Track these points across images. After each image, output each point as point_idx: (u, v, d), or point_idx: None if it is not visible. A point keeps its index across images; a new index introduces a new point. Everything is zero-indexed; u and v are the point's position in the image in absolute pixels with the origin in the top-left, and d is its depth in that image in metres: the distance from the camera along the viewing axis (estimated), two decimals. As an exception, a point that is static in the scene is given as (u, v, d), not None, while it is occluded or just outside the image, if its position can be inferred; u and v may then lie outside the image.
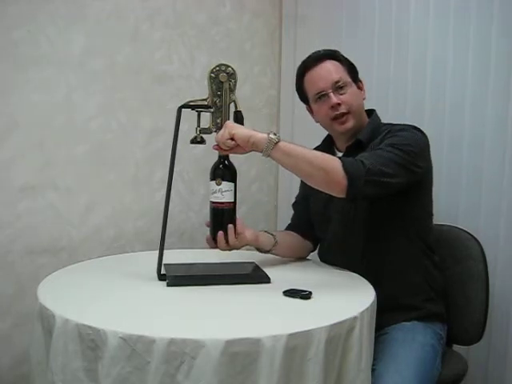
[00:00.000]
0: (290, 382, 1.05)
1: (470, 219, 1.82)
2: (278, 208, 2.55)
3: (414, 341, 1.46)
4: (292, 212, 1.80)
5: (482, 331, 1.62)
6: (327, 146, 1.67)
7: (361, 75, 1.63)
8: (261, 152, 1.33)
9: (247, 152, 1.37)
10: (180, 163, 2.08)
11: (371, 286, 1.39)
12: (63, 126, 1.92)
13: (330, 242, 1.65)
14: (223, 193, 1.41)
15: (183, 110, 1.39)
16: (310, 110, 1.65)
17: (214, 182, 1.42)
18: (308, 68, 1.59)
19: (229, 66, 1.40)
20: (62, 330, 1.08)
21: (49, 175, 1.90)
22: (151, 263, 1.41)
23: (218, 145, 1.37)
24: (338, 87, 1.55)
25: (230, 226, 1.42)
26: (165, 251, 1.40)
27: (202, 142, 1.43)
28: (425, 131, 1.54)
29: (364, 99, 1.62)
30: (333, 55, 1.59)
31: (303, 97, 1.65)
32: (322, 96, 1.56)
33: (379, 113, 1.66)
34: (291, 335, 1.04)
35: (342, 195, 1.35)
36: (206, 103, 1.40)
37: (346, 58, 1.61)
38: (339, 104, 1.54)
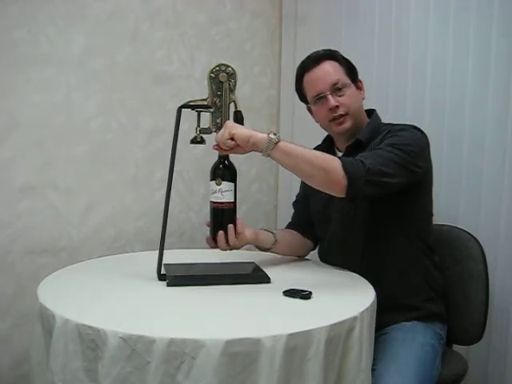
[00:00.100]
0: (289, 382, 1.05)
1: (470, 219, 1.82)
2: (278, 208, 2.55)
3: (414, 341, 1.46)
4: (292, 211, 1.80)
5: (482, 331, 1.62)
6: (327, 145, 1.68)
7: (361, 75, 1.63)
8: (261, 152, 1.33)
9: (247, 152, 1.37)
10: (180, 163, 2.08)
11: (371, 286, 1.39)
12: (63, 126, 1.92)
13: (330, 241, 1.65)
14: (223, 193, 1.41)
15: (183, 109, 1.39)
16: (310, 110, 1.65)
17: (214, 182, 1.42)
18: (307, 69, 1.59)
19: (229, 66, 1.40)
20: (61, 330, 1.08)
21: (49, 175, 1.90)
22: (151, 263, 1.41)
23: (217, 145, 1.37)
24: (336, 89, 1.55)
25: (230, 225, 1.42)
26: (165, 251, 1.40)
27: (202, 142, 1.43)
28: (425, 131, 1.54)
29: (363, 99, 1.62)
30: (331, 55, 1.59)
31: (303, 97, 1.65)
32: (320, 98, 1.56)
33: (379, 113, 1.66)
34: (291, 335, 1.04)
35: (341, 195, 1.35)
36: (205, 103, 1.40)
37: (345, 58, 1.61)
38: (337, 106, 1.54)
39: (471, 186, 1.84)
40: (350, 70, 1.59)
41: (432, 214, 1.62)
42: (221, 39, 2.32)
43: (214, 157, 1.44)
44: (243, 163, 2.06)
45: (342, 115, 1.55)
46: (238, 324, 1.12)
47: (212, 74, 1.40)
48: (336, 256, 1.62)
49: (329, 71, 1.56)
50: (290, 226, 1.75)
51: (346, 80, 1.56)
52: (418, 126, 1.54)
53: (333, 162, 1.35)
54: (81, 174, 1.97)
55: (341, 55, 1.61)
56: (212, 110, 1.41)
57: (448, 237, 1.71)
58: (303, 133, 2.22)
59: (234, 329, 1.08)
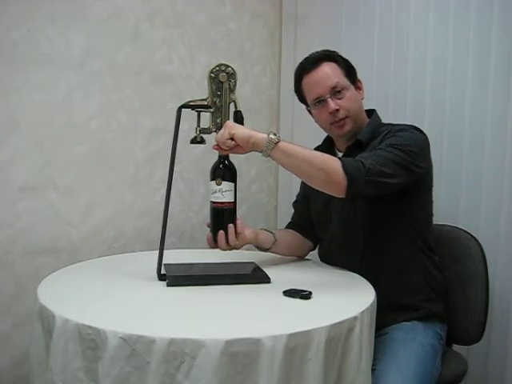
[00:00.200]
0: (289, 382, 1.05)
1: (470, 219, 1.82)
2: (278, 208, 2.55)
3: (414, 341, 1.46)
4: (292, 211, 1.80)
5: (482, 331, 1.62)
6: (327, 146, 1.67)
7: (361, 75, 1.63)
8: (261, 152, 1.33)
9: (247, 152, 1.37)
10: (180, 163, 2.08)
11: (371, 286, 1.39)
12: (63, 126, 1.92)
13: (330, 241, 1.65)
14: (223, 193, 1.41)
15: (183, 109, 1.39)
16: (310, 112, 1.65)
17: (214, 182, 1.42)
18: (305, 71, 1.58)
19: (229, 66, 1.40)
20: (61, 329, 1.08)
21: (49, 175, 1.90)
22: (151, 263, 1.41)
23: (217, 145, 1.37)
24: (335, 92, 1.54)
25: (231, 225, 1.42)
26: (165, 251, 1.40)
27: (202, 142, 1.43)
28: (425, 131, 1.54)
29: (363, 99, 1.62)
30: (330, 56, 1.58)
31: (302, 99, 1.65)
32: (320, 101, 1.56)
33: (379, 113, 1.66)
34: (291, 335, 1.04)
35: (341, 195, 1.35)
36: (205, 103, 1.40)
37: (344, 59, 1.60)
38: (337, 110, 1.54)
39: (471, 186, 1.84)
40: (349, 71, 1.59)
41: (432, 214, 1.62)
42: (221, 39, 2.32)
43: (214, 157, 1.44)
44: (243, 163, 2.07)
45: (342, 119, 1.55)
46: (237, 324, 1.12)
47: (212, 74, 1.40)
48: (336, 256, 1.62)
49: (328, 74, 1.55)
50: (289, 226, 1.75)
51: (345, 82, 1.56)
52: (418, 126, 1.54)
53: (333, 163, 1.35)
54: (81, 174, 1.97)
55: (339, 56, 1.60)
56: (212, 109, 1.41)
57: (448, 237, 1.71)
58: (303, 133, 2.22)
59: (233, 329, 1.08)
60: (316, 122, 1.64)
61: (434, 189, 1.60)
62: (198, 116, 1.42)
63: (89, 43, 1.95)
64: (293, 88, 1.66)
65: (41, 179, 1.88)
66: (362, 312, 1.19)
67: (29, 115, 1.84)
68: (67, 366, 1.07)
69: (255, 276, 1.44)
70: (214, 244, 1.44)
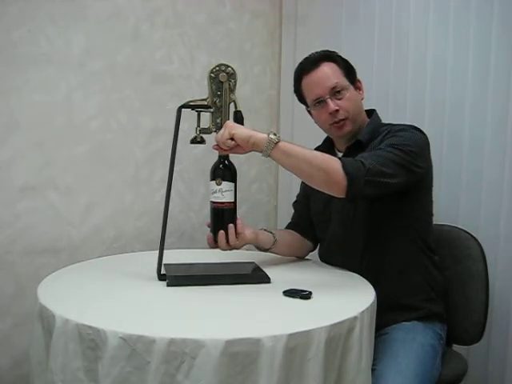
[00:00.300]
0: (289, 381, 1.05)
1: (470, 219, 1.82)
2: (278, 208, 2.55)
3: (414, 341, 1.46)
4: (292, 211, 1.80)
5: (482, 331, 1.62)
6: (327, 146, 1.67)
7: (361, 75, 1.63)
8: (261, 152, 1.33)
9: (247, 152, 1.36)
10: (180, 163, 2.08)
11: (371, 286, 1.39)
12: (63, 126, 1.92)
13: (330, 241, 1.65)
14: (223, 193, 1.41)
15: (183, 109, 1.39)
16: (310, 113, 1.65)
17: (214, 182, 1.42)
18: (305, 72, 1.58)
19: (229, 66, 1.40)
20: (61, 329, 1.08)
21: (49, 175, 1.90)
22: (151, 263, 1.41)
23: (217, 145, 1.37)
24: (335, 92, 1.54)
25: (231, 225, 1.42)
26: (165, 251, 1.40)
27: (202, 142, 1.43)
28: (425, 131, 1.54)
29: (362, 99, 1.62)
30: (329, 57, 1.58)
31: (302, 99, 1.64)
32: (320, 102, 1.56)
33: (379, 113, 1.66)
34: (291, 335, 1.04)
35: (341, 195, 1.35)
36: (205, 103, 1.40)
37: (343, 59, 1.60)
38: (337, 110, 1.54)
39: (471, 186, 1.84)
40: (349, 71, 1.59)
41: (432, 214, 1.62)
42: (221, 39, 2.32)
43: (214, 157, 1.44)
44: (243, 163, 2.07)
45: (341, 119, 1.55)
46: (237, 324, 1.12)
47: (212, 74, 1.40)
48: (336, 256, 1.62)
49: (327, 74, 1.55)
50: (289, 226, 1.75)
51: (345, 82, 1.56)
52: (418, 126, 1.54)
53: (333, 163, 1.35)
54: (81, 174, 1.97)
55: (339, 56, 1.60)
56: (212, 110, 1.41)
57: (448, 237, 1.71)
58: (303, 133, 2.22)
59: (233, 329, 1.08)
60: (316, 122, 1.64)
61: (434, 189, 1.60)
62: (198, 116, 1.42)
63: (89, 43, 1.95)
64: (293, 88, 1.66)
65: (41, 179, 1.88)
66: (362, 312, 1.19)
67: (29, 115, 1.84)
68: (67, 366, 1.07)
69: (255, 276, 1.44)
70: (214, 244, 1.44)
